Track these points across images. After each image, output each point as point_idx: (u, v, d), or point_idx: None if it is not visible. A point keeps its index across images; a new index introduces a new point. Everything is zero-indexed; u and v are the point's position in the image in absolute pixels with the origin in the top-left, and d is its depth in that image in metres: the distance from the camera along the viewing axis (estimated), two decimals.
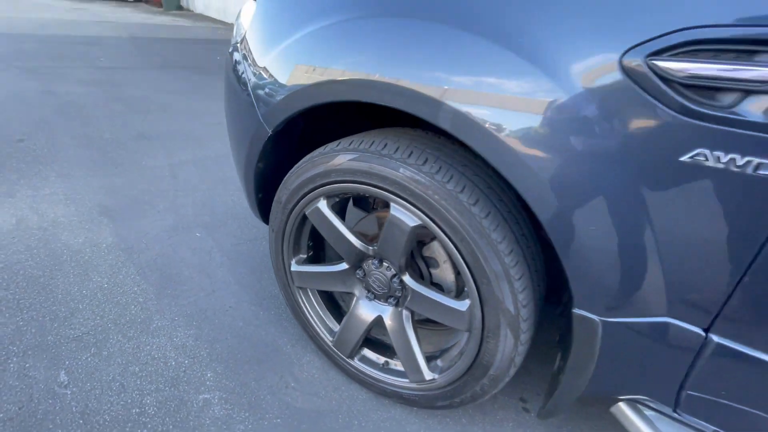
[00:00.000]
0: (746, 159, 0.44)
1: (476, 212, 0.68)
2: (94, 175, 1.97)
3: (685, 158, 0.48)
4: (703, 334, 0.56)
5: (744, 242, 0.48)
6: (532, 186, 0.58)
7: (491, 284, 0.70)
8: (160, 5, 11.53)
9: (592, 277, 0.60)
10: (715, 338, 0.55)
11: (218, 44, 5.94)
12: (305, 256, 1.03)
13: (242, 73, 0.95)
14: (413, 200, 0.72)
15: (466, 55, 0.58)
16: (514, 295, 0.69)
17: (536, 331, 0.77)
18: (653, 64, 0.46)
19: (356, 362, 1.02)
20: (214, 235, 1.63)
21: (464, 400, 0.87)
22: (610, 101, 0.50)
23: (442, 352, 0.92)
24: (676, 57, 0.46)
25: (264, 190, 1.08)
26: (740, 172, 0.45)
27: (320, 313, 1.06)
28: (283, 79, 0.82)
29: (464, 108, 0.59)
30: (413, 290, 0.85)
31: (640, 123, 0.49)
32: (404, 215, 0.75)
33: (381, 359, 1.02)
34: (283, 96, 0.82)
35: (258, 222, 1.66)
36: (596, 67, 0.50)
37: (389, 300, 0.92)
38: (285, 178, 0.92)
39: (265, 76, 0.86)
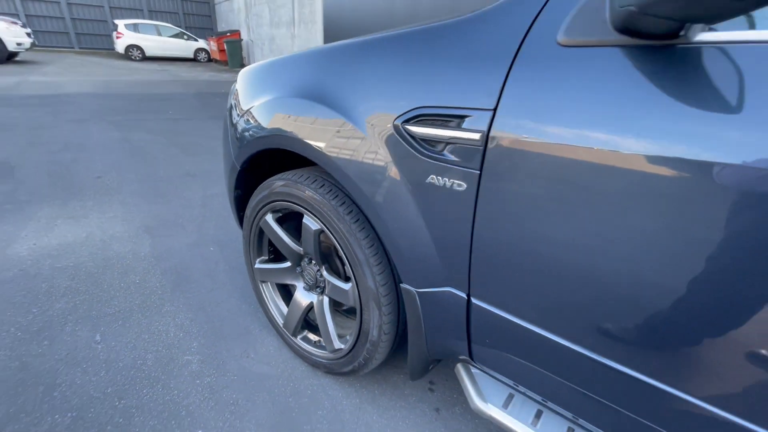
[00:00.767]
0: (450, 180, 0.75)
1: (348, 219, 1.01)
2: (145, 203, 2.53)
3: (427, 180, 0.79)
4: (466, 297, 0.83)
5: (464, 233, 0.77)
6: (360, 198, 0.92)
7: (359, 269, 1.01)
8: (227, 64, 13.25)
9: (404, 260, 0.90)
10: (474, 300, 0.83)
11: None
12: (266, 257, 1.40)
13: (227, 128, 1.39)
14: (314, 212, 1.08)
15: (320, 116, 0.95)
16: (374, 277, 1.00)
17: (399, 306, 1.05)
18: (405, 126, 0.80)
19: (299, 340, 1.34)
20: (223, 250, 2.06)
21: (360, 364, 1.15)
22: (390, 145, 0.83)
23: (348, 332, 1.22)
24: (414, 123, 0.79)
25: (242, 210, 1.48)
26: (449, 187, 0.76)
27: (276, 301, 1.41)
28: (242, 135, 1.24)
29: (319, 145, 0.95)
30: (327, 280, 1.18)
31: (405, 159, 0.81)
32: (310, 222, 1.10)
33: (316, 338, 1.33)
34: (242, 145, 1.24)
35: None
36: (385, 127, 0.84)
37: (317, 289, 1.25)
38: (250, 200, 1.32)
39: (236, 131, 1.29)
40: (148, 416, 1.13)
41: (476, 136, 0.70)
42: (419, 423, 1.17)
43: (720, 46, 0.51)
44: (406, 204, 0.85)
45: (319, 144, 0.97)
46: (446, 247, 0.82)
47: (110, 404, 1.16)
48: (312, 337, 1.35)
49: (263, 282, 1.42)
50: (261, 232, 1.34)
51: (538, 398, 0.87)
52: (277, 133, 1.09)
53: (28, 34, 9.90)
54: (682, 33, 0.52)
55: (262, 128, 1.15)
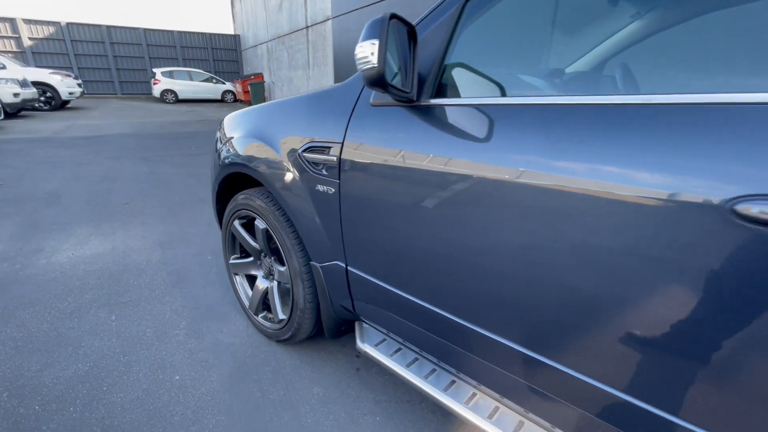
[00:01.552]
0: (326, 187, 1.18)
1: (281, 219, 1.44)
2: (162, 223, 3.06)
3: (315, 188, 1.22)
4: (344, 266, 1.23)
5: (337, 222, 1.18)
6: (284, 203, 1.35)
7: (289, 254, 1.43)
8: (251, 104, 14.35)
9: (310, 244, 1.31)
10: (350, 268, 1.22)
11: None
12: (238, 255, 1.84)
13: (214, 157, 1.87)
14: (262, 216, 1.51)
15: (259, 149, 1.41)
16: (298, 259, 1.41)
17: (314, 281, 1.44)
18: (302, 154, 1.24)
19: (259, 318, 1.74)
20: (218, 258, 2.52)
21: (295, 330, 1.54)
22: (296, 167, 1.27)
23: None
24: (308, 152, 1.22)
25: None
26: (325, 192, 1.18)
27: (245, 287, 1.83)
28: (219, 161, 1.72)
29: (260, 169, 1.40)
30: (274, 268, 1.60)
31: (303, 174, 1.25)
32: (260, 223, 1.54)
33: (270, 316, 1.73)
34: (218, 169, 1.71)
35: None
36: (294, 155, 1.28)
37: (270, 277, 1.67)
38: (225, 211, 1.77)
39: (217, 158, 1.77)
40: (143, 366, 1.55)
41: (334, 158, 1.13)
42: (341, 377, 1.54)
43: (440, 107, 0.93)
44: (306, 205, 1.27)
45: (259, 168, 1.42)
46: (330, 233, 1.24)
47: (117, 359, 1.59)
48: (269, 315, 1.75)
49: (236, 274, 1.85)
50: (233, 236, 1.79)
51: (415, 348, 1.23)
52: (235, 161, 1.56)
53: (79, 84, 11.29)
54: (416, 100, 0.95)
55: (230, 156, 1.62)
